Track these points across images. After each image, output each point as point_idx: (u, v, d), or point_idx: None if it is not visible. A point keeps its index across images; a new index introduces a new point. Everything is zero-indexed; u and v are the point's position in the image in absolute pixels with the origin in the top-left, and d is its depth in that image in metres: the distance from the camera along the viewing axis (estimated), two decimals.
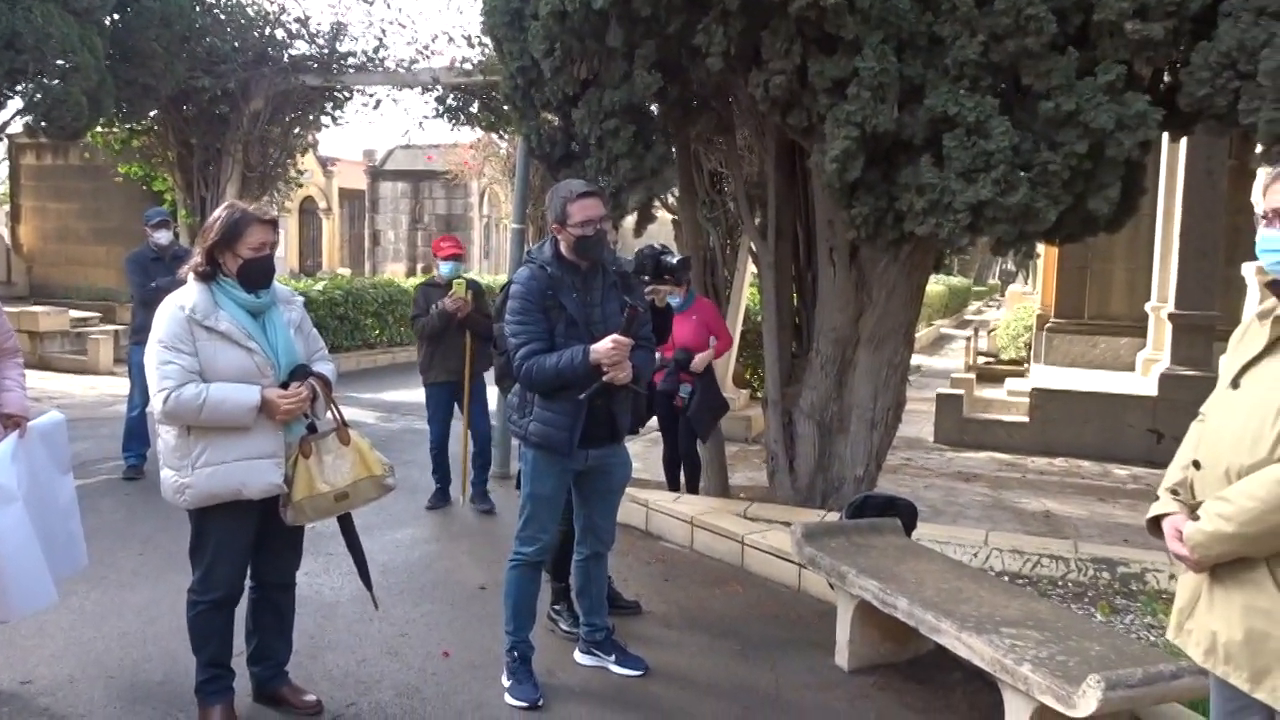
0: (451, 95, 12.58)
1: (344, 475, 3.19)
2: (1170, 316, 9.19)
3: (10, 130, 12.21)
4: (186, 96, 12.06)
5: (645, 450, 7.40)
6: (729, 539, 5.24)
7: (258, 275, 3.12)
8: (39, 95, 10.00)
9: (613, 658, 3.82)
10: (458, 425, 6.31)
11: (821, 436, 5.77)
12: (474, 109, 12.66)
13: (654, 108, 5.61)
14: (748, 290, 9.76)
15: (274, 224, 3.19)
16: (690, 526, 5.49)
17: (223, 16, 12.38)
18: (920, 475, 7.71)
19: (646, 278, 4.40)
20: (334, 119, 13.73)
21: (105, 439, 7.61)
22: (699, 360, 5.62)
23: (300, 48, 12.80)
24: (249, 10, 12.66)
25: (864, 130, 4.47)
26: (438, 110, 12.73)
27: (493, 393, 5.80)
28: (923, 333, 19.22)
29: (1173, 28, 4.16)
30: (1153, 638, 3.98)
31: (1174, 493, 2.27)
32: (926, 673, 3.84)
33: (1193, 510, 2.18)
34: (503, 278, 9.39)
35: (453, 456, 6.39)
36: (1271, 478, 1.99)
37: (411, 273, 22.74)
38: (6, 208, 18.54)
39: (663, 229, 9.12)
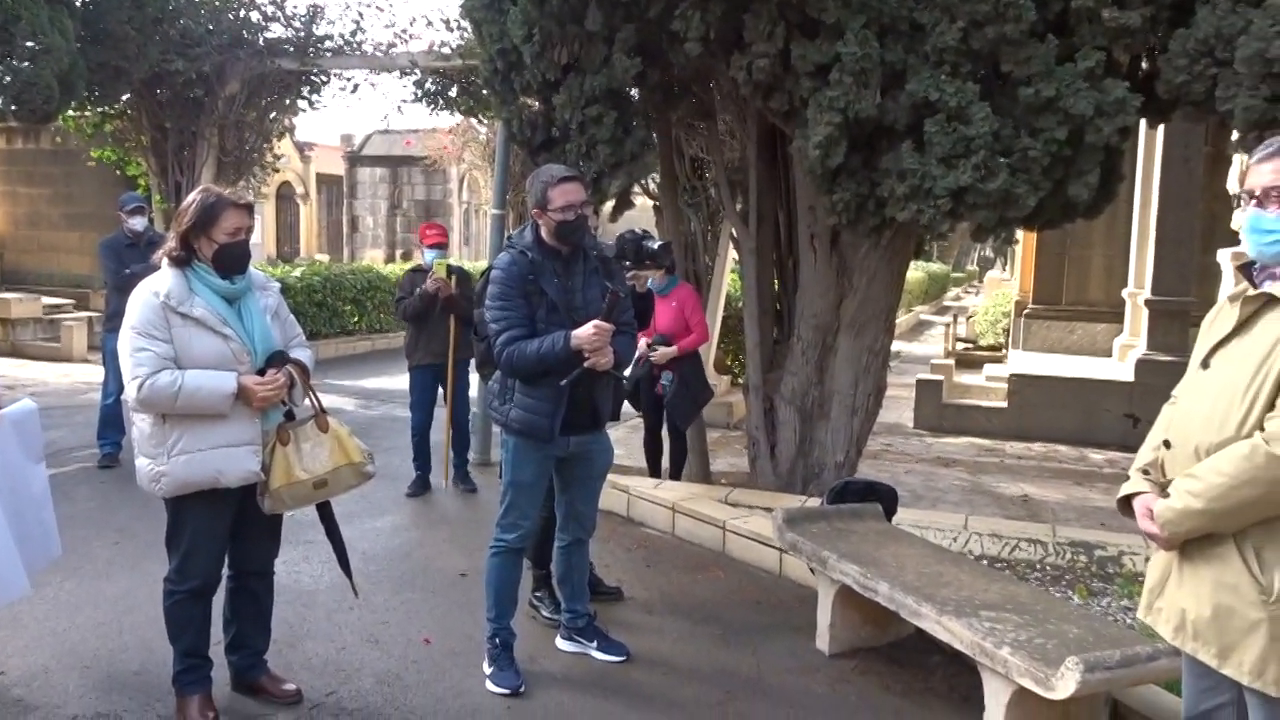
0: (430, 79, 12.46)
1: (323, 463, 3.16)
2: (1147, 303, 9.28)
3: None
4: (160, 80, 11.86)
5: (626, 436, 7.40)
6: (710, 525, 5.25)
7: (233, 261, 3.08)
8: (8, 78, 9.80)
9: (594, 644, 3.82)
10: (439, 411, 6.30)
11: (802, 422, 5.78)
12: (453, 94, 12.53)
13: (634, 92, 5.58)
14: (729, 276, 9.77)
15: (249, 208, 3.15)
16: (672, 512, 5.50)
17: None
18: (900, 460, 7.75)
19: (628, 263, 4.38)
20: (311, 103, 13.56)
21: (80, 427, 7.52)
22: (661, 354, 5.57)
23: (276, 30, 12.62)
24: None
25: (847, 115, 4.46)
26: (416, 95, 12.60)
27: (475, 376, 5.80)
28: (902, 319, 19.30)
29: (1150, 15, 4.18)
30: (1129, 620, 4.02)
31: (1145, 473, 2.30)
32: (907, 656, 3.87)
33: (1163, 489, 2.21)
34: (483, 264, 9.35)
35: (434, 445, 6.37)
36: (1239, 453, 2.02)
37: (390, 259, 22.60)
38: None
39: (643, 214, 9.09)
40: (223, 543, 3.19)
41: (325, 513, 3.37)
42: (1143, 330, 9.45)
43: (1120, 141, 4.41)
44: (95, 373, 8.86)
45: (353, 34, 12.66)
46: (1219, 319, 2.22)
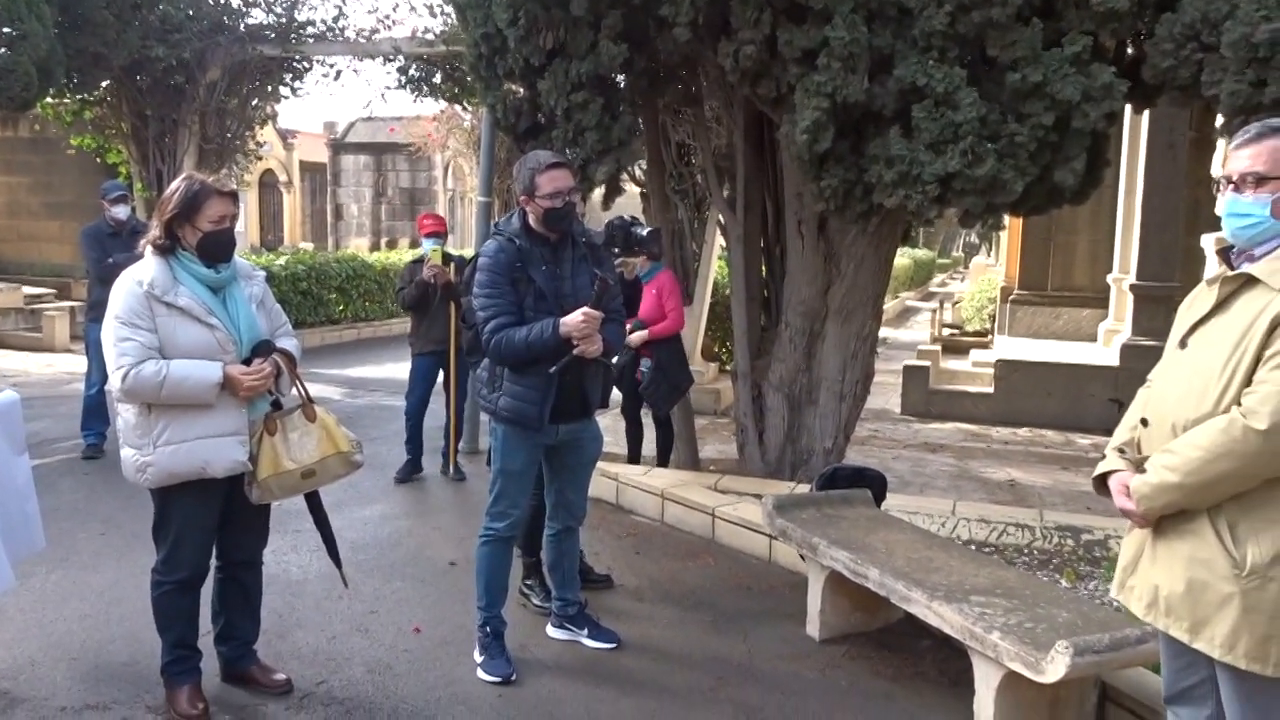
0: (414, 66, 12.37)
1: (310, 452, 3.14)
2: (1132, 288, 9.32)
3: None
4: (140, 66, 11.72)
5: (615, 423, 7.39)
6: (700, 512, 5.26)
7: (217, 249, 3.04)
8: None
9: (585, 631, 3.82)
10: (436, 399, 6.31)
11: (790, 409, 5.79)
12: (437, 80, 12.46)
13: (621, 79, 5.55)
14: (716, 263, 9.75)
15: (234, 196, 3.11)
16: (661, 500, 5.50)
17: None
18: (888, 446, 7.78)
19: (616, 250, 4.36)
20: (293, 90, 13.44)
21: (63, 417, 7.45)
22: (635, 338, 5.59)
23: (257, 16, 12.51)
24: None
25: (834, 101, 4.45)
26: (400, 81, 12.51)
27: None
28: (888, 305, 19.32)
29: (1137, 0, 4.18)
30: (1117, 603, 4.05)
31: (1121, 452, 2.33)
32: (897, 641, 3.88)
33: (1139, 466, 2.23)
34: (470, 252, 9.33)
35: (427, 432, 6.36)
36: (1216, 427, 2.04)
37: (376, 247, 22.45)
38: None
39: (629, 201, 9.05)
40: (210, 533, 3.17)
41: (314, 502, 3.35)
42: (1128, 315, 9.50)
43: (1107, 127, 4.42)
44: (78, 363, 8.78)
45: (335, 20, 12.57)
46: (1197, 301, 2.25)
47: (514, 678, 3.48)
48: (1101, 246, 11.37)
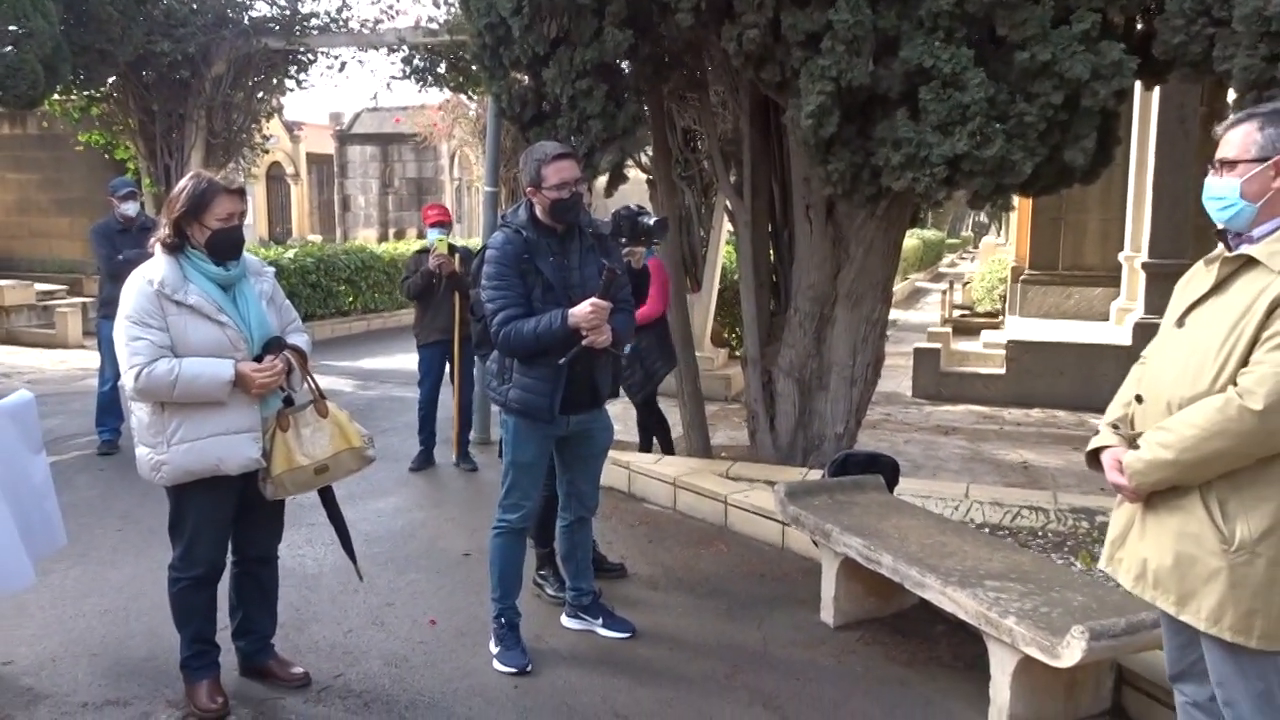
0: (418, 55, 12.33)
1: (323, 448, 3.15)
2: (1143, 266, 9.25)
3: None
4: (145, 62, 11.73)
5: (625, 412, 7.39)
6: (712, 499, 5.26)
7: (227, 246, 3.05)
8: None
9: (600, 621, 3.83)
10: (447, 389, 6.33)
11: (801, 394, 5.78)
12: (441, 69, 12.41)
13: (625, 65, 5.52)
14: (724, 249, 9.72)
15: (241, 193, 3.12)
16: (673, 488, 5.50)
17: None
18: (900, 430, 7.76)
19: (624, 239, 4.35)
20: (298, 82, 13.43)
21: (77, 414, 7.50)
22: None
23: (261, 9, 12.50)
24: None
25: (839, 84, 4.41)
26: (404, 71, 12.48)
27: None
28: (898, 287, 19.28)
29: None
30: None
31: (1114, 427, 2.36)
32: (911, 626, 3.88)
33: (1132, 442, 2.26)
34: (476, 242, 9.31)
35: (439, 422, 6.38)
36: (1212, 405, 2.07)
37: (384, 238, 22.46)
38: None
39: (635, 188, 9.03)
40: (225, 529, 3.19)
41: (327, 496, 3.36)
42: (1139, 294, 9.43)
43: (1117, 105, 4.38)
44: (91, 359, 8.83)
45: (339, 11, 12.57)
46: (1194, 280, 2.28)
47: (530, 668, 3.49)
48: (1113, 225, 11.28)
